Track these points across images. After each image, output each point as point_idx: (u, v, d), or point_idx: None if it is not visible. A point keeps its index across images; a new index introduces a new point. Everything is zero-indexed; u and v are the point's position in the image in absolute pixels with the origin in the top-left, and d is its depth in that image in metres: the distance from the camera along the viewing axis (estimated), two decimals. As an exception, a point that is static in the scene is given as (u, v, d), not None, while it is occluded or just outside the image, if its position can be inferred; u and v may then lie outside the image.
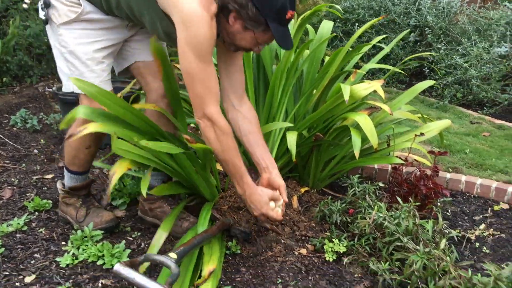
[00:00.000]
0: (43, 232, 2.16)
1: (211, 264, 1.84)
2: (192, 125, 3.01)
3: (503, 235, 2.29)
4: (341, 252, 2.05)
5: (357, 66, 2.89)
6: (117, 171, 1.78)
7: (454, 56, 4.60)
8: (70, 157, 2.10)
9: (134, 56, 2.10)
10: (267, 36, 1.75)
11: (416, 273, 1.78)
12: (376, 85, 2.16)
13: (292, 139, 2.19)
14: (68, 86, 1.99)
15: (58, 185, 2.24)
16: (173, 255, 1.68)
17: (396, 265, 1.94)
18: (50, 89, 4.42)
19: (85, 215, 2.16)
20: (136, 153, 1.86)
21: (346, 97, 2.07)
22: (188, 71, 1.74)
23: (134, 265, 1.63)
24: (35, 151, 3.10)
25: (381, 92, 2.16)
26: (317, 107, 2.50)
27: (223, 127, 1.81)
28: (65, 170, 2.16)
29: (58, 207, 2.28)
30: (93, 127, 1.76)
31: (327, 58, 2.56)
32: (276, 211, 1.93)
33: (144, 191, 1.80)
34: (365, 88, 2.17)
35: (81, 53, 1.91)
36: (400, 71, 2.81)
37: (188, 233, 2.05)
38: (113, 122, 1.87)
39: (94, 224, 2.12)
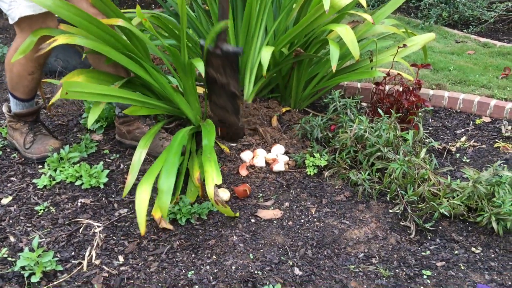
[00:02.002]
0: (17, 156, 2.11)
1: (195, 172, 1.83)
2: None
3: (483, 146, 2.30)
4: (322, 166, 2.04)
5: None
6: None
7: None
8: (14, 83, 1.99)
9: None
10: None
11: (396, 180, 1.79)
12: (357, -7, 2.06)
13: (266, 54, 2.09)
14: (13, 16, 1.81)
15: (4, 108, 2.11)
16: None
17: (377, 176, 1.94)
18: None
19: (32, 141, 2.08)
20: (90, 92, 1.72)
21: (326, 6, 1.96)
22: None
23: None
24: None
25: (363, 1, 2.06)
26: (297, 23, 2.40)
27: None
28: (9, 95, 2.05)
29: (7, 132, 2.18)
30: (62, 39, 1.67)
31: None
32: None
33: (89, 124, 1.77)
34: (346, -3, 2.07)
35: None
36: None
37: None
38: (78, 37, 1.76)
39: (37, 151, 2.05)
